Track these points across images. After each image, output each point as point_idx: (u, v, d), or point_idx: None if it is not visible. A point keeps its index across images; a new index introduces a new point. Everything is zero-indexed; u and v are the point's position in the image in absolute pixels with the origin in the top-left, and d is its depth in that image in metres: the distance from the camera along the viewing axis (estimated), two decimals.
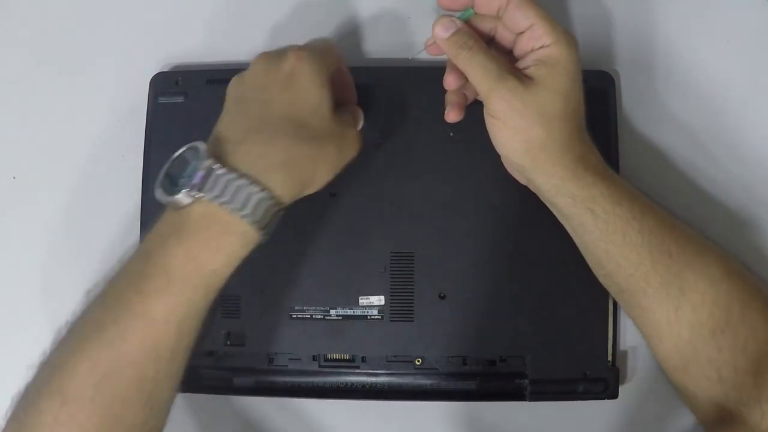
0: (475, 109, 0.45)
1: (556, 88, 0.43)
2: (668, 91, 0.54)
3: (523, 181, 0.48)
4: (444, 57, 0.46)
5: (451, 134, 0.51)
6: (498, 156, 0.47)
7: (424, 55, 0.48)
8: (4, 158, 0.55)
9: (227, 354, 0.51)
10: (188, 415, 0.52)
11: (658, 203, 0.47)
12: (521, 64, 0.45)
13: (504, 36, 0.46)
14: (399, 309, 0.50)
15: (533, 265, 0.50)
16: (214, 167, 0.40)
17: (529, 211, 0.49)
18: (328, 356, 0.50)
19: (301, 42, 0.46)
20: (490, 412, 0.52)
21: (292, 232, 0.50)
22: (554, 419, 0.51)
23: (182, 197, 0.40)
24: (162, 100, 0.53)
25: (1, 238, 0.55)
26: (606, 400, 0.50)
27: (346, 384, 0.51)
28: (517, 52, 0.45)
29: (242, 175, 0.40)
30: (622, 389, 0.50)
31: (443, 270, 0.50)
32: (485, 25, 0.46)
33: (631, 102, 0.54)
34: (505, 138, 0.44)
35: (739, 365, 0.44)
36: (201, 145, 0.41)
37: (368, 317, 0.50)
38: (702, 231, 0.49)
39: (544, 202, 0.47)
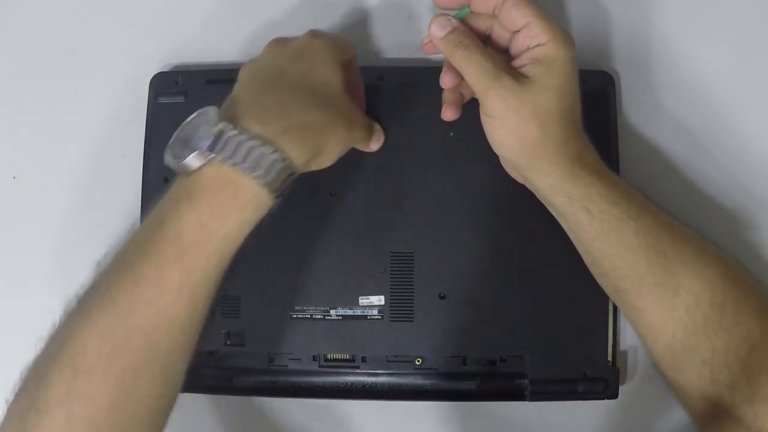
0: (475, 109, 0.45)
1: (552, 86, 0.43)
2: (668, 91, 0.54)
3: (520, 180, 0.48)
4: (442, 56, 0.46)
5: (451, 134, 0.51)
6: (498, 156, 0.47)
7: (422, 55, 0.48)
8: (4, 158, 0.55)
9: (227, 354, 0.51)
10: (188, 415, 0.52)
11: (657, 203, 0.47)
12: (517, 63, 0.45)
13: (500, 34, 0.46)
14: (399, 309, 0.50)
15: (533, 265, 0.50)
16: (225, 129, 0.39)
17: (529, 212, 0.49)
18: (328, 356, 0.50)
19: None
20: (490, 412, 0.52)
21: (292, 232, 0.50)
22: (554, 419, 0.51)
23: (192, 159, 0.39)
24: (162, 100, 0.53)
25: (1, 239, 0.55)
26: (606, 400, 0.50)
27: (346, 384, 0.50)
28: (513, 50, 0.45)
29: (255, 137, 0.39)
30: (622, 389, 0.50)
31: (443, 270, 0.50)
32: (481, 24, 0.46)
33: (630, 102, 0.54)
34: (501, 136, 0.44)
35: (732, 366, 0.44)
36: (212, 109, 0.40)
37: (368, 317, 0.50)
38: (700, 231, 0.49)
39: (541, 201, 0.47)
